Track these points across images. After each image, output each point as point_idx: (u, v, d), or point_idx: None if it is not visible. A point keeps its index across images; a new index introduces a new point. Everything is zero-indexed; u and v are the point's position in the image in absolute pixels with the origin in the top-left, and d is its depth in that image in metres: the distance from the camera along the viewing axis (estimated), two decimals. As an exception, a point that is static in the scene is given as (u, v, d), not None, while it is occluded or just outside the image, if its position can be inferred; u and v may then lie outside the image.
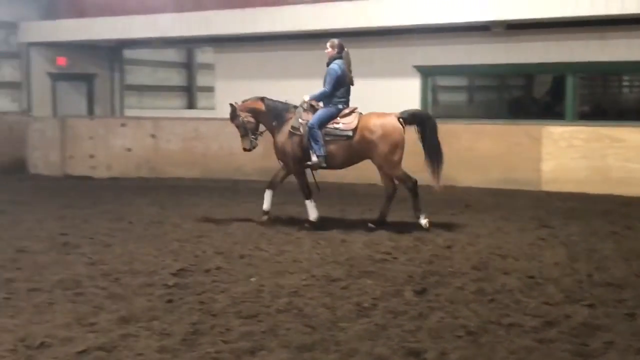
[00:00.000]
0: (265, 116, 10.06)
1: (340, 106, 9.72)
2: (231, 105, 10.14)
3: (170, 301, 6.47)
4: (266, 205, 10.17)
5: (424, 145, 9.68)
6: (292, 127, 9.81)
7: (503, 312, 6.12)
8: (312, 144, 9.59)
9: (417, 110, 10.17)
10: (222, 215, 10.93)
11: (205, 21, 15.91)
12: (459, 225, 9.99)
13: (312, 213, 9.95)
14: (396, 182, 9.84)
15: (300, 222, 10.02)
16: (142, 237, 9.45)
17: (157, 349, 5.26)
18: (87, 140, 16.53)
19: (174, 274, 7.43)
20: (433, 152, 9.64)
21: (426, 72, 15.44)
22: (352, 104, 9.79)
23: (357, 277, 7.26)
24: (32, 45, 18.13)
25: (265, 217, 10.18)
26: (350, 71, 9.67)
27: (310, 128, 9.59)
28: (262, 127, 10.23)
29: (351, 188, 13.53)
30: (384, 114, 9.77)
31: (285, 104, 10.06)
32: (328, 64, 9.71)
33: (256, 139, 10.16)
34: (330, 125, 9.61)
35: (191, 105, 23.32)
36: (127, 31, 16.92)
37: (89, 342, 5.40)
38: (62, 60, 18.55)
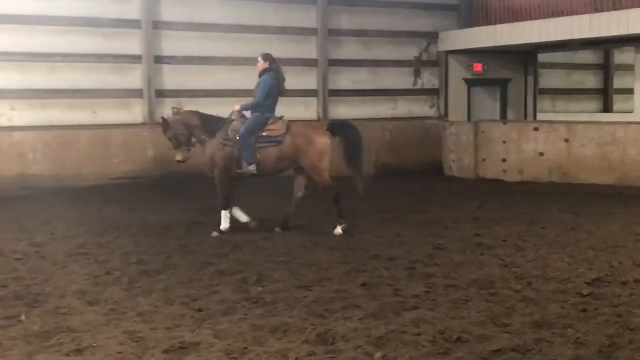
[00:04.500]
0: (198, 129, 10.46)
1: (268, 115, 10.30)
2: (163, 118, 10.71)
3: (584, 310, 6.31)
4: (243, 218, 10.42)
5: (345, 155, 10.34)
6: (224, 139, 10.25)
7: None
8: (244, 152, 10.08)
9: (342, 121, 10.84)
10: (641, 226, 10.30)
11: (625, 20, 15.09)
12: None
13: (225, 223, 10.18)
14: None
15: None
16: (554, 243, 9.35)
17: (572, 358, 5.18)
18: (500, 144, 16.81)
19: (588, 283, 7.24)
20: (355, 161, 10.34)
21: None
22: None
23: None
24: (451, 53, 19.06)
25: (253, 225, 10.41)
26: (284, 80, 10.43)
27: (241, 137, 10.06)
28: (194, 140, 10.58)
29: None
30: (311, 124, 10.85)
31: (218, 117, 10.55)
32: (260, 76, 10.39)
33: (189, 150, 10.59)
34: (260, 133, 10.16)
35: (607, 108, 22.30)
36: (541, 35, 16.81)
37: (503, 342, 5.52)
38: (478, 67, 19.19)
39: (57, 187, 14.41)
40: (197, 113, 10.72)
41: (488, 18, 18.90)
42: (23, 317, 6.30)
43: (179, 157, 10.65)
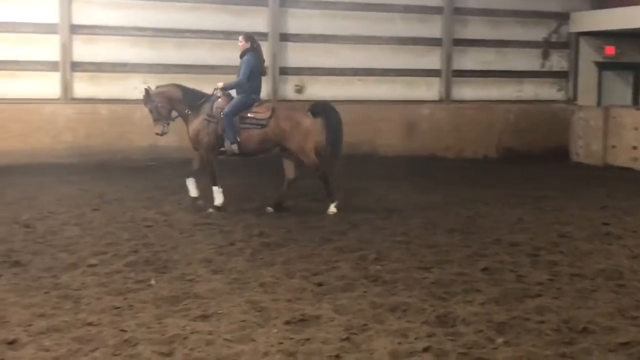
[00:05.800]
0: (180, 103, 10.35)
1: (254, 96, 10.24)
2: (145, 89, 10.42)
3: None
4: (193, 192, 10.27)
5: (327, 135, 10.30)
6: (208, 115, 10.17)
7: None
8: (227, 130, 9.99)
9: (323, 102, 11.01)
10: None
11: None
12: None
13: (218, 198, 10.15)
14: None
15: None
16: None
17: None
18: (631, 130, 16.06)
19: None
20: (335, 141, 10.31)
21: None
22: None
23: None
24: (582, 34, 18.31)
25: (199, 202, 10.25)
26: (263, 61, 10.41)
27: (225, 115, 9.97)
28: (174, 113, 10.47)
29: None
30: (295, 107, 11.04)
31: (201, 92, 10.45)
32: (241, 56, 10.29)
33: (168, 124, 10.42)
34: (244, 114, 10.05)
35: None
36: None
37: (631, 334, 5.34)
38: (610, 50, 18.34)
39: (183, 158, 14.87)
40: (179, 86, 10.56)
41: (626, -1, 17.99)
42: (153, 282, 6.59)
43: (157, 130, 10.49)
